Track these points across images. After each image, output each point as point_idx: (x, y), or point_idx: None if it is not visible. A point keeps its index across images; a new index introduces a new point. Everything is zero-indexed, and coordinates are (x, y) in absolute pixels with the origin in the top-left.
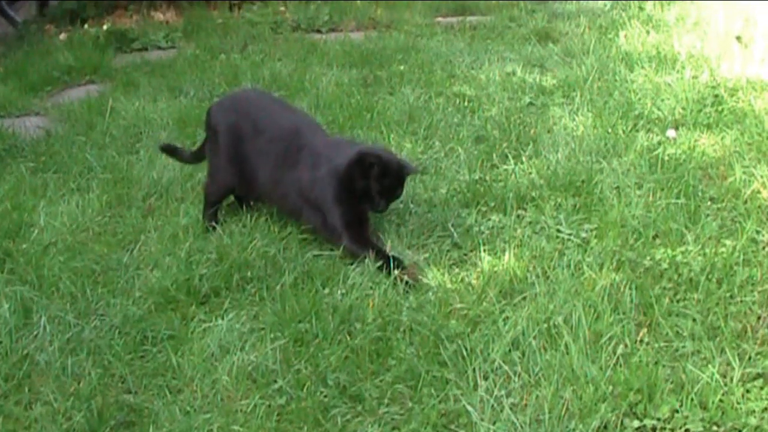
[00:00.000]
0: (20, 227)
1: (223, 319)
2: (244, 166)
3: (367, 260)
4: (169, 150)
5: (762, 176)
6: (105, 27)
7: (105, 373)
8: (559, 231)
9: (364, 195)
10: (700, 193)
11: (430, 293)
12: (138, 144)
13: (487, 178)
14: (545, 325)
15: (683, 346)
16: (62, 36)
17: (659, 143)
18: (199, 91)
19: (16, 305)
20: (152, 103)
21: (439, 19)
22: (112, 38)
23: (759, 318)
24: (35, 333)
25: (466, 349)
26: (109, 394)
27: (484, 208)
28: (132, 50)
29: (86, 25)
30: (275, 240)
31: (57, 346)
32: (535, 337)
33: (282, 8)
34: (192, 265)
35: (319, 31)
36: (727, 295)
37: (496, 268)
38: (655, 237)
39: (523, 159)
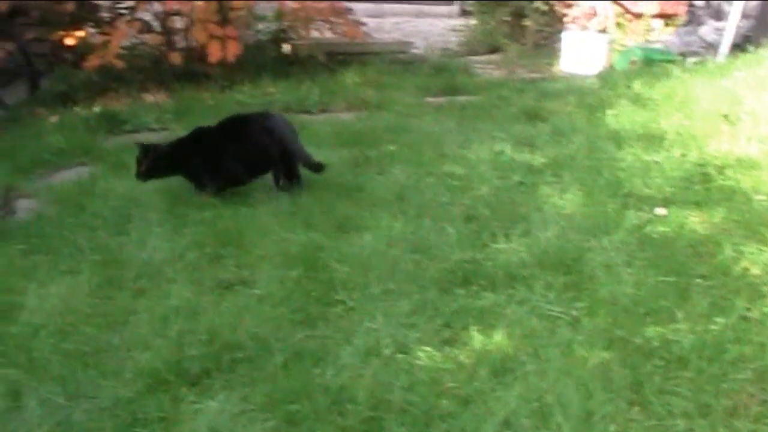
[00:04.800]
0: (10, 309)
1: (213, 400)
2: None
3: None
4: None
5: (751, 253)
6: (96, 109)
7: None
8: (549, 309)
9: None
10: (690, 271)
11: (422, 373)
12: (128, 225)
13: (478, 257)
14: (537, 404)
15: (675, 425)
16: (53, 118)
17: (649, 221)
18: None
19: (5, 388)
20: (142, 184)
21: (429, 99)
22: (102, 120)
23: (751, 395)
24: (24, 416)
25: (458, 429)
26: None
27: (474, 287)
28: (123, 132)
29: (77, 108)
30: (266, 320)
31: (46, 429)
32: (527, 417)
33: (272, 89)
34: (182, 347)
35: (309, 112)
36: (719, 372)
37: (487, 347)
38: (645, 315)
39: (513, 238)
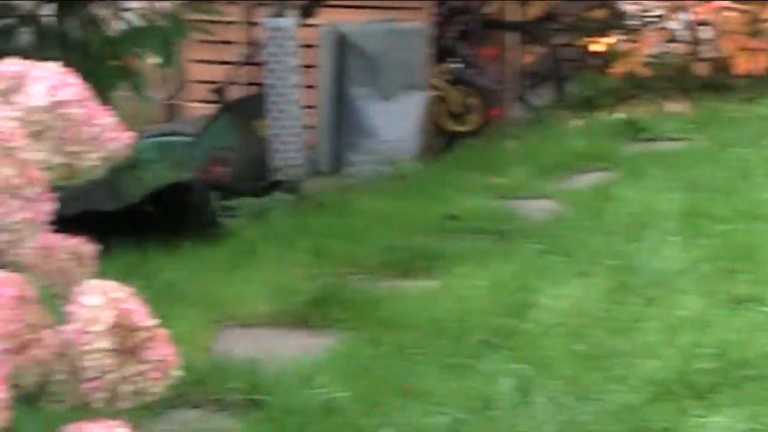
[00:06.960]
0: (524, 307)
1: (720, 415)
2: None
3: None
4: None
5: None
6: (618, 115)
7: None
8: None
9: None
10: None
11: None
12: (642, 232)
13: None
14: None
15: None
16: (576, 122)
17: None
18: (709, 183)
19: (516, 382)
20: (658, 193)
21: None
22: (623, 127)
23: None
24: (532, 412)
25: None
26: None
27: None
28: (642, 139)
29: (599, 113)
30: None
31: (553, 427)
32: None
33: None
34: (691, 359)
35: None
36: None
37: None
38: None
39: None
